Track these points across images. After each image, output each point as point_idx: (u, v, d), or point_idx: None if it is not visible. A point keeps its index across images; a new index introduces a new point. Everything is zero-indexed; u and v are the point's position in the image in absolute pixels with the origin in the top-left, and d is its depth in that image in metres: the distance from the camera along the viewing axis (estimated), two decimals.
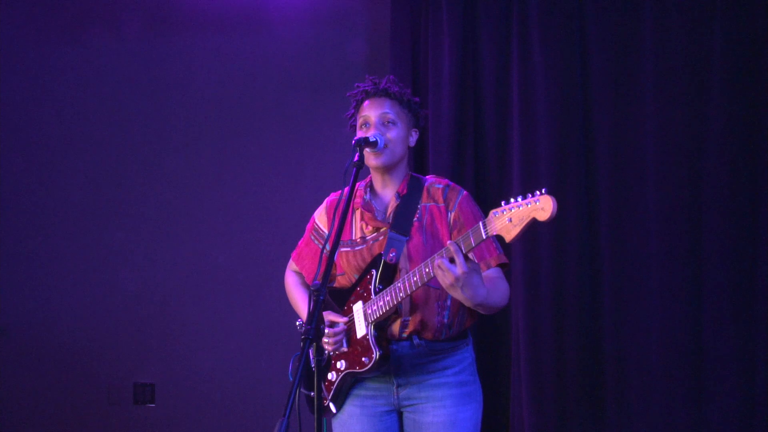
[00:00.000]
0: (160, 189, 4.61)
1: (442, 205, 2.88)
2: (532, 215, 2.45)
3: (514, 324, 4.09)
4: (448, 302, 2.83)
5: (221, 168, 4.60)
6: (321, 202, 3.11)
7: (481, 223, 2.55)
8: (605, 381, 4.00)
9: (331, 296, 2.95)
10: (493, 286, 2.74)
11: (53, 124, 4.66)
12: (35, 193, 4.64)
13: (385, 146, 2.86)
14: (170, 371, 4.54)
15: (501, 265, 2.85)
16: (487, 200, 4.06)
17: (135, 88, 4.63)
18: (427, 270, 2.65)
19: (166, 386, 4.54)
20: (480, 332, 4.05)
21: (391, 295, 2.74)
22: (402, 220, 2.86)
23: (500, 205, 2.52)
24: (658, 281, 3.94)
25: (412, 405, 2.86)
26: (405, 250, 2.83)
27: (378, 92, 2.94)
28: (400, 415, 2.90)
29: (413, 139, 2.98)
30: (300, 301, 3.09)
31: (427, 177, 2.99)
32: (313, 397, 2.88)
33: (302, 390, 2.87)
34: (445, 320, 2.84)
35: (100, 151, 4.63)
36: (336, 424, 2.94)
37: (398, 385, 2.85)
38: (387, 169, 2.91)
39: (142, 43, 4.64)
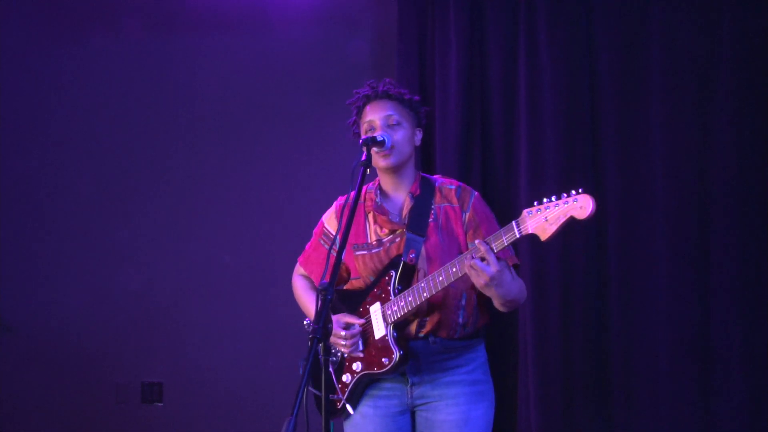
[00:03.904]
0: (166, 188, 4.62)
1: (456, 205, 2.89)
2: (570, 213, 2.50)
3: (521, 323, 4.09)
4: (463, 302, 2.84)
5: (227, 167, 4.60)
6: (326, 201, 3.11)
7: (514, 223, 2.58)
8: (612, 380, 4.00)
9: (344, 298, 2.95)
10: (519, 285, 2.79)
11: (57, 125, 4.67)
12: (40, 193, 4.65)
13: (393, 147, 2.86)
14: (178, 370, 4.55)
15: (514, 266, 2.86)
16: (494, 198, 4.06)
17: (139, 87, 4.63)
18: (454, 270, 2.67)
19: (174, 385, 4.55)
20: (487, 332, 4.04)
21: (414, 296, 2.75)
22: (417, 221, 2.86)
23: (533, 205, 2.55)
24: (665, 279, 3.94)
25: (425, 403, 2.86)
26: (423, 250, 2.84)
27: (378, 95, 2.94)
28: (412, 414, 2.90)
29: (418, 138, 2.98)
30: (310, 305, 3.07)
31: (435, 177, 3.00)
32: (326, 398, 2.88)
33: (313, 391, 2.87)
34: (460, 319, 2.85)
35: (106, 150, 4.64)
36: (348, 425, 2.93)
37: (412, 384, 2.86)
38: (396, 170, 2.91)
39: (144, 43, 4.64)
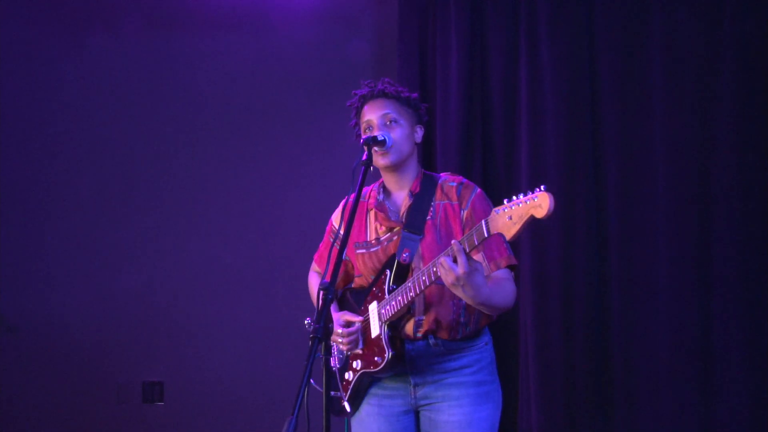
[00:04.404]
0: (167, 188, 4.62)
1: (455, 203, 2.87)
2: (530, 212, 2.44)
3: (522, 323, 4.09)
4: (464, 301, 2.80)
5: (227, 167, 4.60)
6: (327, 201, 3.13)
7: (483, 222, 2.54)
8: (614, 381, 3.99)
9: (352, 295, 2.97)
10: (498, 287, 2.74)
11: (58, 125, 4.66)
12: (41, 192, 4.64)
13: (392, 146, 2.86)
14: (179, 370, 4.55)
15: (510, 267, 2.84)
16: (495, 199, 4.02)
17: (140, 87, 4.63)
18: (434, 269, 2.64)
19: (175, 385, 4.55)
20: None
21: (403, 295, 2.74)
22: (415, 219, 2.85)
23: (503, 203, 2.52)
24: (666, 279, 3.93)
25: (429, 404, 2.86)
26: (419, 249, 2.83)
27: (375, 94, 2.95)
28: (417, 414, 2.90)
29: (419, 135, 2.98)
30: None
31: (441, 174, 2.99)
32: (330, 396, 2.88)
33: (319, 388, 2.87)
34: (462, 318, 2.84)
35: (107, 149, 4.64)
36: (354, 422, 2.95)
37: (415, 385, 2.86)
38: (396, 168, 2.91)
39: (144, 43, 4.64)
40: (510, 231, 2.48)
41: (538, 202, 2.43)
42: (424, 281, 2.68)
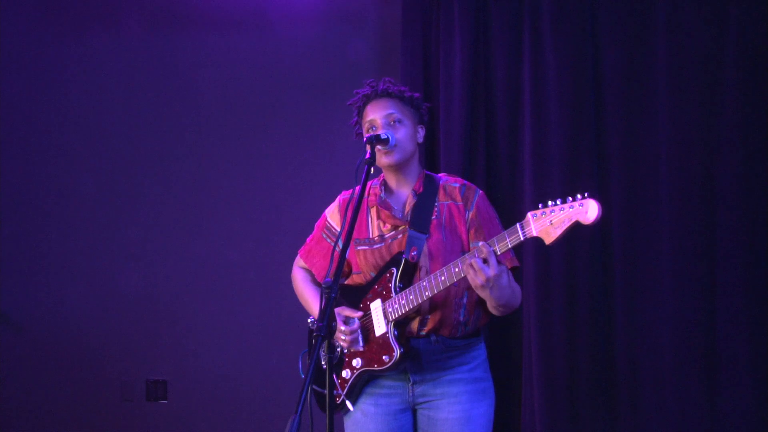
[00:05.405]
0: (170, 186, 4.63)
1: (460, 203, 2.89)
2: (575, 218, 2.51)
3: (525, 324, 4.08)
4: (464, 300, 2.85)
5: (230, 166, 4.60)
6: (329, 199, 3.11)
7: (518, 225, 2.59)
8: (618, 381, 3.98)
9: (344, 293, 2.95)
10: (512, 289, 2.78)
11: (59, 124, 4.67)
12: (45, 192, 4.65)
13: (396, 145, 2.87)
14: (183, 368, 4.56)
15: (513, 269, 2.87)
16: (498, 199, 4.05)
17: (141, 86, 4.63)
18: (456, 270, 2.68)
19: (178, 383, 4.56)
20: (491, 332, 4.04)
21: (416, 294, 2.76)
22: (420, 218, 2.87)
23: (537, 207, 2.56)
24: (670, 280, 3.92)
25: (427, 402, 2.87)
26: (425, 248, 2.84)
27: (378, 94, 2.95)
28: (414, 412, 2.91)
29: (420, 135, 2.99)
30: (310, 298, 3.09)
31: (440, 175, 3.01)
32: (322, 394, 2.88)
33: (315, 388, 2.88)
34: (462, 318, 2.86)
35: (110, 149, 4.65)
36: (349, 422, 2.94)
37: (414, 383, 2.86)
38: (399, 168, 2.92)
39: (145, 42, 4.64)
40: (550, 236, 2.54)
41: (585, 209, 2.50)
42: (443, 281, 2.71)
